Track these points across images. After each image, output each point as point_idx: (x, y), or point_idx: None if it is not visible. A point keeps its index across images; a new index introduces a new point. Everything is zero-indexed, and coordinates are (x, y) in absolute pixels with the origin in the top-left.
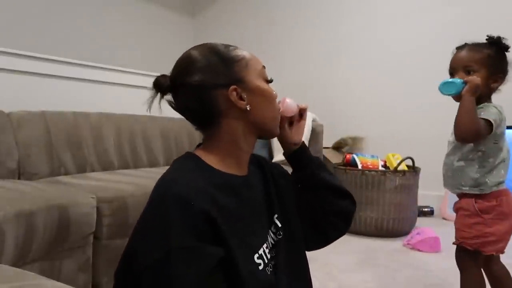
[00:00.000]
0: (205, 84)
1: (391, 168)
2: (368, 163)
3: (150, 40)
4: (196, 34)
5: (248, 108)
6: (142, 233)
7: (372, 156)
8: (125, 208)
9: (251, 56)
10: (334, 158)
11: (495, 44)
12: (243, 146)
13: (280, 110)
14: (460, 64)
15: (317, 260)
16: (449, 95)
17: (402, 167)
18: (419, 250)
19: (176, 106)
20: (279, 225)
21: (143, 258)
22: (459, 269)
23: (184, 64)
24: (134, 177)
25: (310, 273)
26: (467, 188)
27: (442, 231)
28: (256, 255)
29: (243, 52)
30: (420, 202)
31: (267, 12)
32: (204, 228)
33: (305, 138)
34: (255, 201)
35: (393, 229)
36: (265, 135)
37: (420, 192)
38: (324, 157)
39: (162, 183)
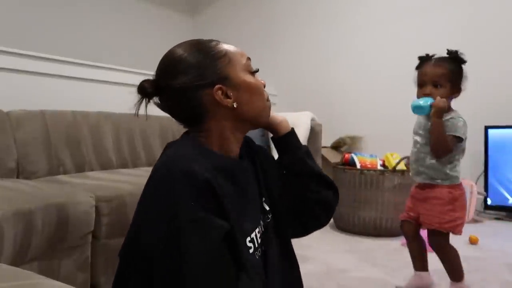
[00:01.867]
0: (189, 86)
1: (390, 168)
2: (367, 163)
3: (150, 40)
4: (196, 34)
5: (235, 106)
6: (149, 208)
7: (371, 156)
8: (124, 207)
9: (234, 50)
10: (333, 157)
11: (455, 59)
12: (233, 140)
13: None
14: (429, 79)
15: (316, 260)
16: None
17: (401, 166)
18: None
19: (162, 108)
20: (267, 208)
21: (152, 233)
22: (436, 250)
23: (166, 66)
24: (133, 176)
25: (309, 272)
26: (439, 180)
27: None
28: (248, 239)
29: (225, 46)
30: None
31: (266, 13)
32: (211, 200)
33: (304, 137)
34: (248, 185)
35: (391, 228)
36: (258, 127)
37: None
38: (323, 156)
39: (165, 159)
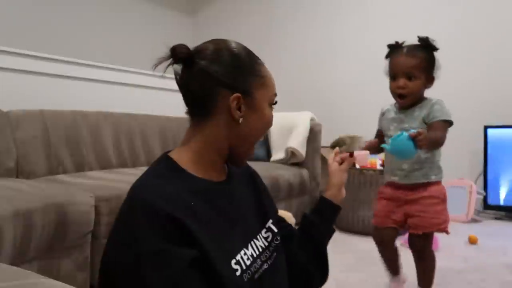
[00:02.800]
0: (214, 76)
1: None
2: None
3: (149, 39)
4: (196, 33)
5: (240, 121)
6: (113, 241)
7: (370, 155)
8: None
9: (271, 79)
10: None
11: (427, 47)
12: (221, 151)
13: (357, 154)
14: (402, 70)
15: None
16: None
17: None
18: None
19: (179, 80)
20: (276, 230)
21: (116, 266)
22: (422, 254)
23: (208, 48)
24: (132, 176)
25: None
26: (434, 176)
27: None
28: (233, 261)
29: (267, 71)
30: None
31: (266, 12)
32: (172, 231)
33: (304, 137)
34: (232, 207)
35: None
36: (235, 157)
37: None
38: (323, 156)
39: (131, 190)
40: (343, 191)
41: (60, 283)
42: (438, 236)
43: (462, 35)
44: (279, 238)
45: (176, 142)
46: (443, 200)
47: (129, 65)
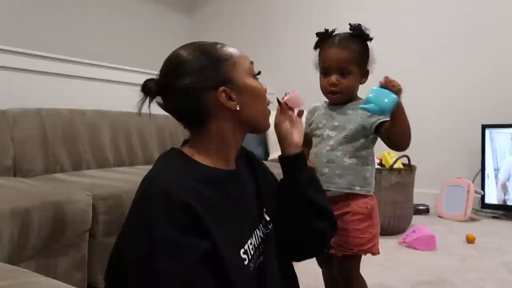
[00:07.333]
0: (194, 87)
1: (387, 166)
2: None
3: (146, 38)
4: (193, 33)
5: (238, 108)
6: (127, 231)
7: None
8: (120, 205)
9: (239, 53)
10: None
11: (361, 37)
12: (232, 144)
13: (286, 99)
14: (334, 66)
15: (313, 258)
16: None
17: (398, 165)
18: (414, 248)
19: (165, 108)
20: (268, 218)
21: (129, 255)
22: (347, 278)
23: (172, 66)
24: (130, 175)
25: (307, 270)
26: (359, 188)
27: (438, 229)
28: (242, 250)
29: (230, 49)
30: (416, 200)
31: (263, 11)
32: (187, 221)
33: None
34: (242, 195)
35: (388, 227)
36: (256, 131)
37: (416, 190)
38: None
39: (144, 180)
40: (294, 140)
41: (58, 281)
42: (435, 235)
43: (460, 34)
44: (270, 226)
45: (173, 140)
46: (367, 215)
47: (127, 64)
